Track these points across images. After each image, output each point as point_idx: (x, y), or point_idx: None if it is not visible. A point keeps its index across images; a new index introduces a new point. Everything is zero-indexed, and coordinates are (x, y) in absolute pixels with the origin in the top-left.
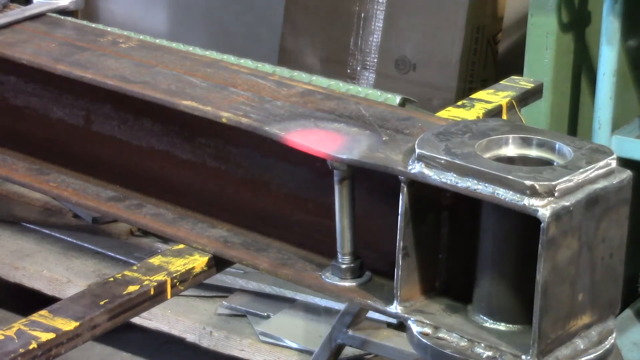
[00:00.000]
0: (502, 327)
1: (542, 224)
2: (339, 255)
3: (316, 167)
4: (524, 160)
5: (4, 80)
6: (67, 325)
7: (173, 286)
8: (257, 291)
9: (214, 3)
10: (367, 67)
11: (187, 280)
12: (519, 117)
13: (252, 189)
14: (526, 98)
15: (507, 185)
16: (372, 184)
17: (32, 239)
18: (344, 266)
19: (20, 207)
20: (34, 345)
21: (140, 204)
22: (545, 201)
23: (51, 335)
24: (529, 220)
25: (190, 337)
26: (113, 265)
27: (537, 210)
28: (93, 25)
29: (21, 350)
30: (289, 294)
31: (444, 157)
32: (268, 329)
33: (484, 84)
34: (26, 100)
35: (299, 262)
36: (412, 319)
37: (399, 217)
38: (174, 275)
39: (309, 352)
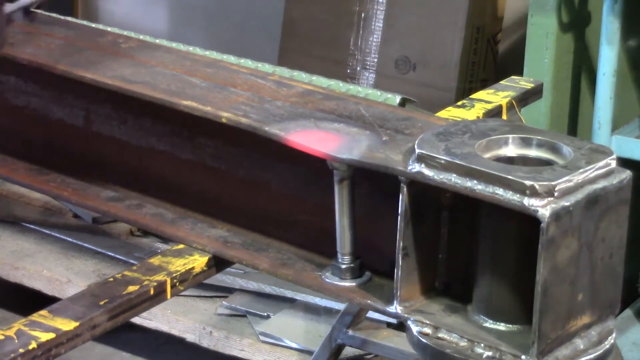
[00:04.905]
0: (502, 327)
1: (542, 224)
2: (339, 255)
3: (316, 167)
4: (524, 161)
5: (4, 80)
6: (67, 325)
7: (173, 286)
8: (257, 291)
9: (214, 3)
10: (367, 67)
11: (187, 280)
12: (519, 117)
13: (252, 189)
14: (526, 98)
15: (507, 185)
16: (372, 184)
17: (32, 239)
18: (343, 266)
19: (20, 207)
20: (33, 345)
21: (140, 204)
22: (545, 201)
23: (51, 335)
24: (529, 221)
25: (190, 337)
26: (113, 265)
27: (537, 210)
28: (93, 25)
29: (21, 350)
30: (289, 294)
31: (444, 157)
32: (268, 329)
33: (484, 84)
34: (26, 100)
35: (299, 262)
36: (412, 319)
37: (399, 217)
38: (174, 275)
39: (309, 352)
